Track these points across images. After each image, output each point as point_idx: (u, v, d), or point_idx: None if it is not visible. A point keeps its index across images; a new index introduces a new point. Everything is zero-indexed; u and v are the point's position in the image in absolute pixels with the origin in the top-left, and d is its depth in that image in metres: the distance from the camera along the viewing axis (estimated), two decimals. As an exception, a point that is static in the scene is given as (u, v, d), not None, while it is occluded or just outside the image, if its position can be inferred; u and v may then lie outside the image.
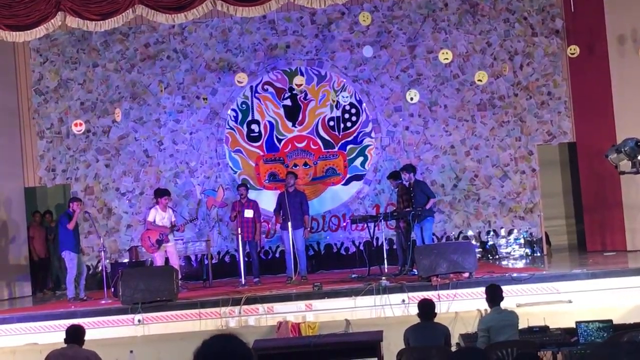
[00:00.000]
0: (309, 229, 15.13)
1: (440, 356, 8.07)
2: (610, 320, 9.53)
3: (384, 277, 12.95)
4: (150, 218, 14.42)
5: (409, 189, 14.27)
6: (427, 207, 13.99)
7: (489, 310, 9.48)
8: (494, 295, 9.29)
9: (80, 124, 15.68)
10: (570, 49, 15.80)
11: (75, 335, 8.90)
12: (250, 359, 3.49)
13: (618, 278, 12.29)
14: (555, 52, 17.38)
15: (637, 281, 12.09)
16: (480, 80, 15.80)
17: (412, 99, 15.92)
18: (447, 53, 15.65)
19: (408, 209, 13.95)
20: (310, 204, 15.83)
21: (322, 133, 17.41)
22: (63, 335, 9.02)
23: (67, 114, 17.27)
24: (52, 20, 13.31)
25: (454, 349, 9.01)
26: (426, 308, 9.40)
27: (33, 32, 13.45)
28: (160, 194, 14.63)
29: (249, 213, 14.77)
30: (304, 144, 17.45)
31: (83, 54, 17.45)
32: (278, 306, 12.42)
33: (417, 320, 9.33)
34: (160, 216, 14.32)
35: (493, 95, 17.32)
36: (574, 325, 9.54)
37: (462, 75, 17.30)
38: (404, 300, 11.95)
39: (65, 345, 8.83)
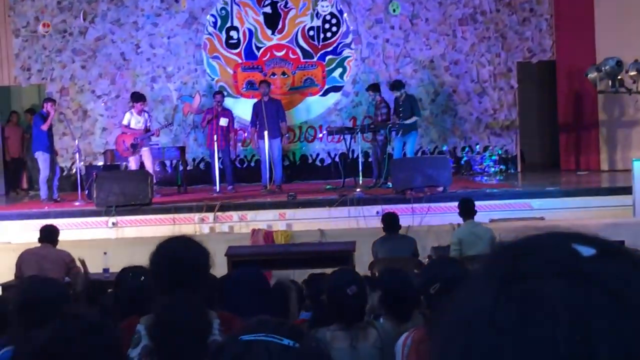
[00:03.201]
0: (286, 135, 15.04)
1: (413, 267, 8.15)
2: (581, 238, 9.64)
3: (358, 189, 13.00)
4: (125, 121, 14.31)
5: (397, 102, 14.25)
6: (407, 122, 13.92)
7: (462, 224, 9.57)
8: (467, 209, 9.37)
9: (47, 25, 15.51)
10: (556, -34, 15.64)
11: (49, 235, 8.92)
12: (207, 259, 3.50)
13: (590, 197, 12.46)
14: (540, -32, 17.19)
15: (608, 200, 12.25)
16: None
17: (394, 10, 15.73)
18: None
19: (388, 122, 13.97)
20: (287, 114, 15.75)
21: (301, 42, 17.23)
22: (36, 235, 9.04)
23: (44, 13, 16.94)
24: None
25: (424, 260, 9.11)
26: (390, 221, 9.52)
27: None
28: (137, 98, 14.48)
29: (223, 121, 14.67)
30: (282, 53, 17.27)
31: (60, -49, 17.05)
32: (252, 214, 12.48)
33: (390, 232, 9.44)
34: (135, 120, 14.20)
35: (475, 10, 17.15)
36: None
37: (445, -11, 17.09)
38: (377, 212, 11.99)
39: (39, 245, 8.85)
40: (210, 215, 12.31)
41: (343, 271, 4.78)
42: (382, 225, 9.57)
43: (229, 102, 15.94)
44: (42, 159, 14.10)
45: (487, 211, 11.72)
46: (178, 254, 3.44)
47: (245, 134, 16.41)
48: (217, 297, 4.15)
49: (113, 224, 12.20)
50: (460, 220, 9.65)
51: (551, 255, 0.86)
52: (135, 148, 14.07)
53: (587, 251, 0.86)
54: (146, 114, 14.42)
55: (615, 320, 0.80)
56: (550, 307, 0.81)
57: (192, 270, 3.39)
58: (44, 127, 14.02)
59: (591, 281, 0.82)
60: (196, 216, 12.29)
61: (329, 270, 5.67)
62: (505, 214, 12.01)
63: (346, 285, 4.26)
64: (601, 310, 0.80)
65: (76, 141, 14.87)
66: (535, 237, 0.90)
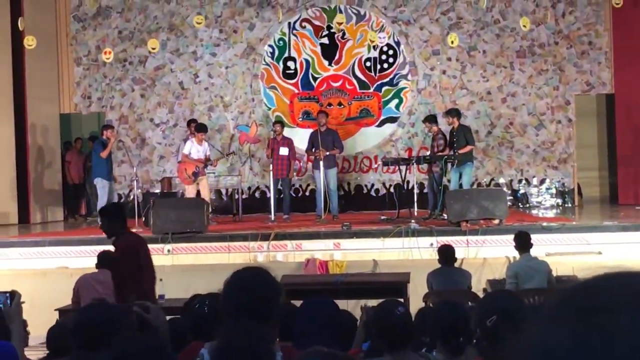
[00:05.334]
0: (329, 154, 14.65)
1: (467, 299, 8.08)
2: (640, 273, 9.48)
3: (413, 220, 12.94)
4: (185, 150, 14.45)
5: (451, 133, 14.13)
6: (461, 151, 13.80)
7: (517, 257, 9.48)
8: (523, 242, 9.27)
9: (109, 52, 15.78)
10: (615, 0, 15.52)
11: (106, 260, 9.00)
12: (279, 290, 3.55)
13: (649, 232, 12.21)
14: (599, 2, 17.08)
15: (668, 236, 12.01)
16: (525, 26, 15.54)
17: (452, 42, 15.70)
18: (483, 1, 15.41)
19: (442, 153, 13.87)
20: (343, 144, 15.78)
21: (358, 73, 17.30)
22: (93, 260, 9.13)
23: (105, 42, 17.27)
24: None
25: (479, 293, 9.02)
26: (446, 253, 9.43)
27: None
28: (199, 129, 14.60)
29: (284, 151, 14.73)
30: (339, 83, 17.36)
31: (122, -18, 17.39)
32: (306, 243, 12.46)
33: (445, 264, 9.38)
34: (195, 149, 14.34)
35: (533, 43, 17.09)
36: (602, 277, 9.49)
37: (503, 21, 17.06)
38: (432, 244, 11.91)
39: (96, 270, 8.95)
40: (264, 244, 12.35)
41: (390, 299, 4.79)
42: (438, 257, 9.51)
43: (285, 132, 16.03)
44: (100, 185, 14.28)
45: (543, 245, 11.59)
46: (250, 283, 3.49)
47: (300, 164, 16.48)
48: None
49: (169, 251, 12.29)
50: (516, 253, 9.56)
51: (622, 291, 0.86)
52: (196, 176, 14.22)
53: None
54: (206, 144, 14.56)
55: None
56: (631, 340, 0.81)
57: (262, 301, 3.43)
58: (104, 155, 14.20)
59: None
60: (251, 245, 12.33)
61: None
62: (561, 248, 11.85)
63: (394, 307, 4.28)
64: None
65: (134, 168, 15.05)
66: (604, 275, 0.92)
